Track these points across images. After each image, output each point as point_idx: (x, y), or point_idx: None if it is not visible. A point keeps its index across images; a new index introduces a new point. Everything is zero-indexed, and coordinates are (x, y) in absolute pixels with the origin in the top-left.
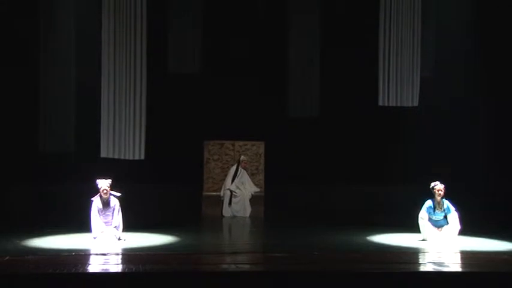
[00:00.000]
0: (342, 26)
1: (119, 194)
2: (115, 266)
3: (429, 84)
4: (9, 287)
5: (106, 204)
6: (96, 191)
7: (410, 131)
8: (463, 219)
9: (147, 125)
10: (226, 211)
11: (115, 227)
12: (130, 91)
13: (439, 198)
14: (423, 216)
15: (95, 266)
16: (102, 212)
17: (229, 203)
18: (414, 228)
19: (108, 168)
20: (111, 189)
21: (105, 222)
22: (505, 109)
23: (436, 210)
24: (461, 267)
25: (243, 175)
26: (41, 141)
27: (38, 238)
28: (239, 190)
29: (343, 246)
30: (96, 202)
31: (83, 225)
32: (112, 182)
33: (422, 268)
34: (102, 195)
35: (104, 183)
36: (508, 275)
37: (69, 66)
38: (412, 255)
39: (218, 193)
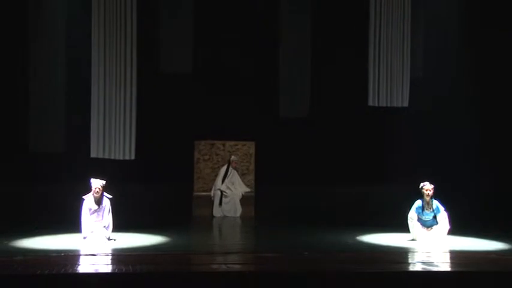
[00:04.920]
0: (333, 27)
1: (110, 196)
2: (105, 266)
3: (419, 85)
4: None
5: (97, 203)
6: (88, 190)
7: (399, 131)
8: (452, 219)
9: (137, 125)
10: (217, 211)
11: (104, 226)
12: (120, 91)
13: (428, 198)
14: (412, 216)
15: (84, 266)
16: (93, 211)
17: (220, 203)
18: (403, 228)
19: (98, 168)
20: (103, 190)
21: (96, 222)
22: (494, 109)
23: (425, 210)
24: (451, 266)
25: (234, 175)
26: (31, 141)
27: (26, 238)
28: (229, 190)
29: (333, 246)
30: (88, 201)
31: (72, 225)
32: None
33: (411, 268)
34: (94, 194)
35: (97, 183)
36: (497, 274)
37: (59, 66)
38: (401, 255)
39: (208, 193)
